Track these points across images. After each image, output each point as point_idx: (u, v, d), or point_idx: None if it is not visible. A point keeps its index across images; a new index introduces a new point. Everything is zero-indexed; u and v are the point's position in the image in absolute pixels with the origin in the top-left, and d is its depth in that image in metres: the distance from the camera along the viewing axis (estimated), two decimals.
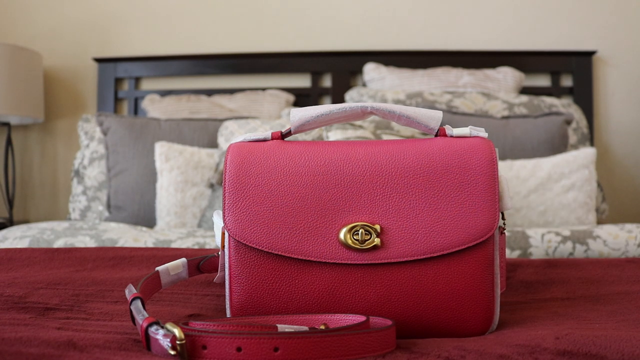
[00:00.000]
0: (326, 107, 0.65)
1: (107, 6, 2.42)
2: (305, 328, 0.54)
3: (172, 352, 0.45)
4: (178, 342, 0.45)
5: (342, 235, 0.58)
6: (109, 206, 1.97)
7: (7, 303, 0.67)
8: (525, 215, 1.67)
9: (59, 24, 2.44)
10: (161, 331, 0.47)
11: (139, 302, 0.54)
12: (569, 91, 2.28)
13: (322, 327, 0.55)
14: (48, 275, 0.84)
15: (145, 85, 2.40)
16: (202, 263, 0.69)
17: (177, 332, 0.46)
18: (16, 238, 1.52)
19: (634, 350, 0.47)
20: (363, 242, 0.58)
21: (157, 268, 0.66)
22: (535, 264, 0.91)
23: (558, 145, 1.88)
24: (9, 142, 2.33)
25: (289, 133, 0.66)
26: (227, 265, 0.61)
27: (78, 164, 2.09)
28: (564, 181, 1.70)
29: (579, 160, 1.72)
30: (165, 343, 0.46)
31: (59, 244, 1.48)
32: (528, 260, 0.94)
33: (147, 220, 1.89)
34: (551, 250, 1.35)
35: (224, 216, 0.60)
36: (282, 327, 0.54)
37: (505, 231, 0.62)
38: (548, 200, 1.68)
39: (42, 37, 2.44)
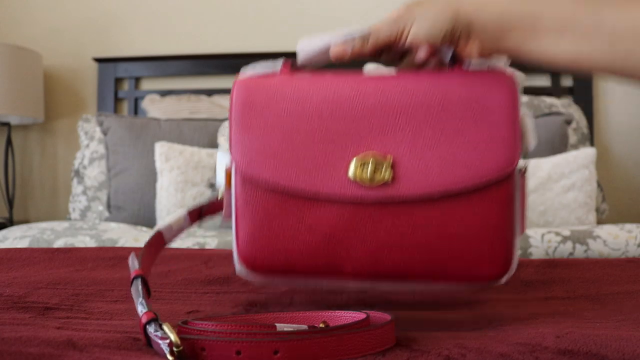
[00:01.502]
0: (336, 34, 0.60)
1: (107, 6, 2.42)
2: (304, 327, 0.54)
3: (170, 358, 0.45)
4: (175, 350, 0.45)
5: (351, 169, 0.55)
6: (109, 206, 1.97)
7: (7, 303, 0.67)
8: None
9: (59, 24, 2.44)
10: (159, 332, 0.46)
11: (139, 284, 0.53)
12: (569, 91, 2.28)
13: (322, 325, 0.55)
14: (48, 275, 0.84)
15: (145, 85, 2.40)
16: (205, 208, 0.68)
17: (173, 337, 0.45)
18: (16, 238, 1.52)
19: (635, 349, 0.47)
20: (373, 176, 0.55)
21: (157, 227, 0.64)
22: (535, 264, 0.91)
23: (558, 145, 1.88)
24: (9, 142, 2.33)
25: (298, 66, 0.62)
26: (233, 201, 0.59)
27: (78, 164, 2.09)
28: (564, 181, 1.70)
29: (579, 160, 1.72)
30: (164, 346, 0.45)
31: (59, 244, 1.48)
32: (528, 260, 0.94)
33: (147, 220, 1.89)
34: (551, 250, 1.35)
35: (230, 152, 0.58)
36: (281, 327, 0.54)
37: (526, 174, 0.59)
38: (548, 200, 1.68)
39: (42, 37, 2.44)
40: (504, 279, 0.56)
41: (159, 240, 0.64)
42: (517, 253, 0.57)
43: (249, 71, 0.62)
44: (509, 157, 0.55)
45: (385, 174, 0.54)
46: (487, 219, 0.54)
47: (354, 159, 0.55)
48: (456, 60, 0.60)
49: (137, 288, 0.53)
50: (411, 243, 0.55)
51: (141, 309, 0.50)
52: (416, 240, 0.55)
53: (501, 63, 0.59)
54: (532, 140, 0.58)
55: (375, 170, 0.54)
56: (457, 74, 0.58)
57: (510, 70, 0.58)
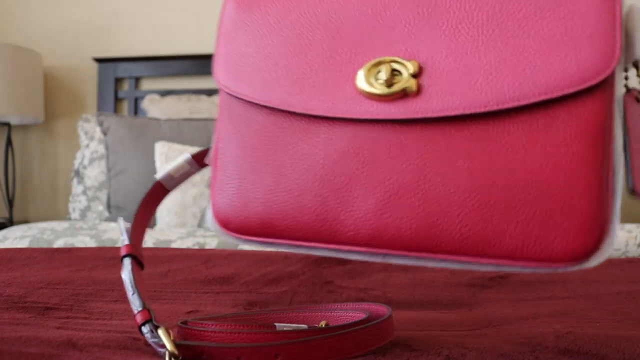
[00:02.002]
0: None
1: (107, 6, 2.42)
2: (304, 327, 0.54)
3: None
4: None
5: (359, 77, 0.40)
6: (109, 206, 1.97)
7: (7, 303, 0.67)
8: None
9: (59, 24, 2.44)
10: (156, 339, 0.45)
11: (130, 266, 0.48)
12: None
13: (323, 323, 0.55)
14: (48, 275, 0.84)
15: (145, 85, 2.40)
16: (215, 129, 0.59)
17: (169, 346, 0.43)
18: (16, 238, 1.52)
19: (635, 349, 0.47)
20: (390, 85, 0.39)
21: (156, 177, 0.55)
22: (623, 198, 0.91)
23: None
24: (9, 142, 2.33)
25: None
26: (215, 134, 0.48)
27: (78, 164, 2.09)
28: None
29: None
30: (161, 351, 0.44)
31: (59, 243, 1.48)
32: None
33: None
34: None
35: (214, 61, 0.47)
36: (281, 326, 0.54)
37: None
38: None
39: (42, 37, 2.44)
40: (592, 261, 0.35)
41: (158, 193, 0.55)
42: (616, 222, 0.36)
43: None
44: (602, 58, 0.35)
45: (409, 81, 0.39)
46: (561, 155, 0.35)
47: (365, 65, 0.40)
48: None
49: (128, 272, 0.48)
50: (442, 185, 0.37)
51: (135, 304, 0.48)
52: (449, 181, 0.37)
53: None
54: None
55: (392, 76, 0.39)
56: None
57: None
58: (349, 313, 0.55)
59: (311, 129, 0.42)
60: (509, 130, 0.37)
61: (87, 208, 2.03)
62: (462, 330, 0.57)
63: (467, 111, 0.37)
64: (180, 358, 0.43)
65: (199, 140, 1.97)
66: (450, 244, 0.37)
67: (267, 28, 0.45)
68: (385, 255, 0.40)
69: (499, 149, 0.37)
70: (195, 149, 1.87)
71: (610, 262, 0.97)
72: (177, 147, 1.87)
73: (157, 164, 1.84)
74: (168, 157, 1.84)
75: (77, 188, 2.06)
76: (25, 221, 2.36)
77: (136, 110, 2.35)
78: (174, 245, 1.42)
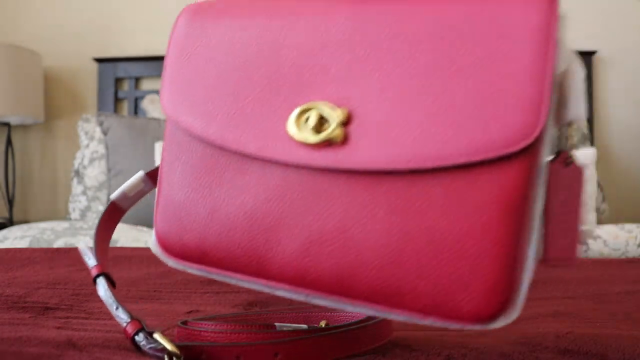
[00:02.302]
0: None
1: (107, 6, 2.42)
2: (304, 326, 0.54)
3: None
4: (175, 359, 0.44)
5: (290, 121, 0.41)
6: None
7: (7, 303, 0.67)
8: None
9: (59, 24, 2.44)
10: (153, 344, 0.44)
11: (105, 284, 0.49)
12: None
13: (323, 323, 0.55)
14: (48, 275, 0.84)
15: (145, 85, 2.40)
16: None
17: (170, 347, 0.43)
18: (16, 238, 1.52)
19: (635, 349, 0.47)
20: (318, 132, 0.39)
21: (111, 198, 0.55)
22: (535, 264, 0.91)
23: (558, 145, 1.88)
24: (9, 142, 2.33)
25: None
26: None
27: (78, 164, 2.09)
28: None
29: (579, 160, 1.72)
30: (159, 355, 0.44)
31: (59, 244, 1.48)
32: None
33: (147, 220, 1.89)
34: None
35: (161, 86, 0.48)
36: (281, 326, 0.54)
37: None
38: None
39: (42, 37, 2.44)
40: (499, 323, 0.36)
41: (114, 213, 0.56)
42: (525, 288, 0.36)
43: None
44: (527, 118, 0.34)
45: (335, 130, 0.39)
46: (476, 218, 0.35)
47: (297, 109, 0.41)
48: None
49: (105, 291, 0.48)
50: (360, 236, 0.38)
51: (122, 317, 0.47)
52: (368, 231, 0.38)
53: None
54: (579, 107, 0.37)
55: (320, 124, 0.39)
56: None
57: None
58: (349, 313, 0.56)
59: (244, 166, 0.43)
60: (429, 189, 0.37)
61: (87, 208, 2.03)
62: (462, 330, 0.57)
63: (390, 167, 0.37)
64: (182, 357, 0.43)
65: None
66: (365, 293, 0.38)
67: (211, 58, 0.46)
68: (308, 295, 0.41)
69: (418, 206, 0.37)
70: None
71: (611, 262, 0.97)
72: None
73: (157, 164, 1.85)
74: None
75: (77, 188, 2.06)
76: (25, 221, 2.36)
77: (136, 110, 2.35)
78: None
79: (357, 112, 0.39)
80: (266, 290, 0.43)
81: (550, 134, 0.37)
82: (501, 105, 0.35)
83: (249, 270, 0.43)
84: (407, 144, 0.37)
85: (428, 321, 0.37)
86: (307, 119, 0.40)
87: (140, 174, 0.55)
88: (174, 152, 0.47)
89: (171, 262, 0.47)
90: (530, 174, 0.35)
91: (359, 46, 0.40)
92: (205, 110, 0.45)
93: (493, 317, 0.35)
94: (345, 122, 0.39)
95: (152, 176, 0.56)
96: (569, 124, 0.38)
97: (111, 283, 0.51)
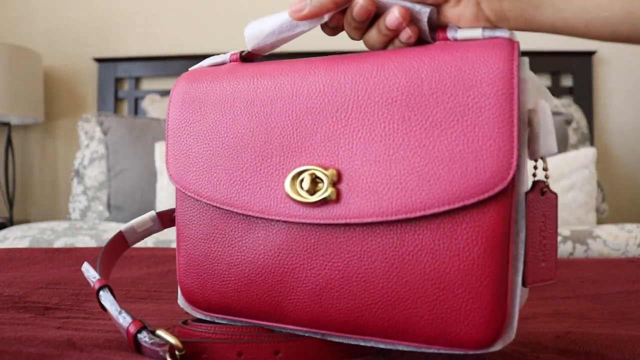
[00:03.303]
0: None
1: (107, 6, 2.43)
2: None
3: None
4: (178, 354, 0.44)
5: (286, 184, 0.45)
6: (109, 206, 1.97)
7: (7, 303, 0.67)
8: None
9: (59, 24, 2.44)
10: (155, 339, 0.45)
11: (109, 294, 0.51)
12: (568, 91, 2.28)
13: None
14: (48, 275, 0.84)
15: (145, 85, 2.40)
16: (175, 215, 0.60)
17: (174, 341, 0.44)
18: (16, 238, 1.52)
19: (635, 349, 0.47)
20: (313, 192, 0.44)
21: (120, 229, 0.59)
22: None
23: (558, 145, 1.88)
24: (9, 142, 2.33)
25: (248, 54, 0.52)
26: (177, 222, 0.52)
27: (78, 164, 2.09)
28: (564, 181, 1.70)
29: (579, 160, 1.72)
30: (162, 352, 0.44)
31: (59, 244, 1.48)
32: None
33: None
34: None
35: (166, 156, 0.52)
36: (280, 327, 0.53)
37: (548, 190, 0.42)
38: None
39: (42, 37, 2.44)
40: (497, 345, 0.40)
41: (120, 244, 0.59)
42: (516, 311, 0.40)
43: (197, 65, 0.55)
44: (500, 169, 0.38)
45: (328, 189, 0.43)
46: (465, 256, 0.39)
47: (291, 173, 0.45)
48: (437, 28, 0.44)
49: (108, 299, 0.50)
50: (362, 281, 0.42)
51: (124, 320, 0.48)
52: (369, 277, 0.42)
53: (503, 31, 0.42)
54: (549, 142, 0.41)
55: (314, 185, 0.44)
56: (433, 49, 0.42)
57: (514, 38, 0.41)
58: None
59: (251, 227, 0.47)
60: (418, 234, 0.41)
61: (87, 208, 2.03)
62: (466, 355, 0.57)
63: (380, 219, 0.41)
64: (184, 352, 0.44)
65: None
66: (375, 330, 0.42)
67: (207, 129, 0.50)
68: (324, 334, 0.45)
69: (410, 251, 0.41)
70: None
71: (611, 262, 0.97)
72: None
73: (157, 164, 1.84)
74: None
75: (77, 188, 2.06)
76: (26, 221, 2.36)
77: (136, 110, 2.35)
78: (174, 245, 1.42)
79: (345, 171, 0.43)
80: (288, 331, 0.47)
81: (526, 170, 0.41)
82: (475, 153, 0.39)
83: (270, 317, 0.47)
84: (393, 196, 0.41)
85: (434, 350, 0.41)
86: (301, 181, 0.44)
87: (151, 213, 0.60)
88: (186, 216, 0.51)
89: (199, 315, 0.52)
90: (510, 212, 0.39)
91: (339, 109, 0.44)
92: (210, 179, 0.49)
93: (492, 342, 0.40)
94: (336, 182, 0.43)
95: (162, 217, 0.60)
96: (542, 159, 0.42)
97: (112, 294, 0.52)
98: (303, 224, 0.45)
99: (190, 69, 0.54)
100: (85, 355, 0.45)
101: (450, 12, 0.44)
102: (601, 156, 2.26)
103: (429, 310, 0.40)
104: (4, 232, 1.59)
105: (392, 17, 0.44)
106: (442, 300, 0.40)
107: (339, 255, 0.43)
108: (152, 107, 2.20)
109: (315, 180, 0.44)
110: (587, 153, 1.74)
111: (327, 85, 0.45)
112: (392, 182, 0.41)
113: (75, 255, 0.96)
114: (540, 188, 0.42)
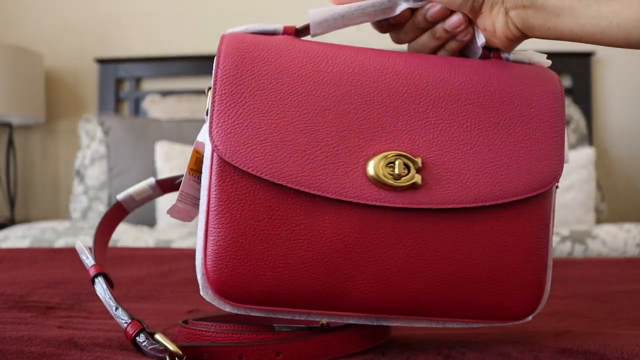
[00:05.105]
0: (355, 5, 0.50)
1: (108, 7, 2.43)
2: (302, 326, 0.54)
3: None
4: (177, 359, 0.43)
5: (371, 167, 0.44)
6: (109, 206, 1.97)
7: (8, 302, 0.67)
8: None
9: (60, 25, 2.44)
10: (155, 345, 0.44)
11: (103, 284, 0.49)
12: (567, 92, 2.28)
13: (323, 321, 0.55)
14: (49, 274, 0.84)
15: (146, 85, 2.40)
16: (179, 181, 0.58)
17: (172, 348, 0.43)
18: (17, 238, 1.52)
19: (634, 348, 0.47)
20: (399, 177, 0.44)
21: (118, 198, 0.56)
22: None
23: None
24: (10, 143, 2.34)
25: (306, 30, 0.51)
26: (204, 198, 0.45)
27: (79, 164, 2.09)
28: (563, 181, 1.70)
29: (578, 161, 1.72)
30: (162, 355, 0.44)
31: (60, 243, 1.48)
32: None
33: (148, 220, 1.89)
34: None
35: (210, 126, 0.45)
36: (280, 327, 0.54)
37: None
38: None
39: (43, 38, 2.44)
40: (530, 317, 0.48)
41: (118, 213, 0.56)
42: (548, 288, 0.48)
43: (241, 29, 0.50)
44: (555, 166, 0.47)
45: (416, 176, 0.45)
46: (522, 241, 0.46)
47: (377, 156, 0.45)
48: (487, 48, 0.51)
49: (104, 291, 0.49)
50: (433, 264, 0.45)
51: (122, 318, 0.47)
52: (440, 260, 0.45)
53: (542, 57, 0.52)
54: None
55: (403, 170, 0.45)
56: (496, 63, 0.50)
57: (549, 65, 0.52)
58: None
59: (319, 208, 0.45)
60: (486, 221, 0.46)
61: (88, 208, 2.04)
62: (462, 329, 0.57)
63: (460, 206, 0.45)
64: (184, 358, 0.43)
65: None
66: (438, 310, 0.46)
67: (271, 102, 0.45)
68: (379, 318, 0.47)
69: (478, 235, 0.46)
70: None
71: (610, 262, 0.97)
72: (177, 147, 1.87)
73: (158, 164, 1.85)
74: (169, 157, 1.84)
75: (78, 188, 2.07)
76: (27, 221, 2.36)
77: (137, 110, 2.35)
78: (174, 245, 1.42)
79: (427, 160, 0.46)
80: (336, 320, 0.47)
81: None
82: (536, 155, 0.47)
83: (324, 305, 0.46)
84: (470, 186, 0.46)
85: (479, 324, 0.48)
86: (388, 165, 0.45)
87: (150, 180, 0.58)
88: (226, 194, 0.44)
89: (229, 308, 0.46)
90: (553, 203, 0.48)
91: (420, 100, 0.47)
92: (274, 155, 0.44)
93: (529, 314, 0.48)
94: (420, 168, 0.45)
95: (162, 185, 0.58)
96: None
97: (109, 283, 0.51)
98: (379, 207, 0.45)
99: (229, 30, 0.49)
100: (86, 355, 0.46)
101: (487, 21, 0.49)
102: (600, 156, 2.26)
103: (489, 288, 0.46)
104: (5, 231, 1.59)
105: (455, 18, 0.49)
106: (501, 279, 0.46)
107: (413, 240, 0.45)
108: (153, 107, 2.20)
109: (404, 165, 0.45)
110: (586, 153, 1.74)
111: (408, 77, 0.48)
112: (470, 173, 0.46)
113: (76, 255, 0.96)
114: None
